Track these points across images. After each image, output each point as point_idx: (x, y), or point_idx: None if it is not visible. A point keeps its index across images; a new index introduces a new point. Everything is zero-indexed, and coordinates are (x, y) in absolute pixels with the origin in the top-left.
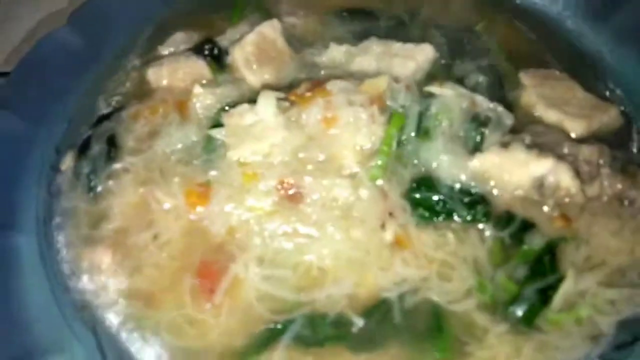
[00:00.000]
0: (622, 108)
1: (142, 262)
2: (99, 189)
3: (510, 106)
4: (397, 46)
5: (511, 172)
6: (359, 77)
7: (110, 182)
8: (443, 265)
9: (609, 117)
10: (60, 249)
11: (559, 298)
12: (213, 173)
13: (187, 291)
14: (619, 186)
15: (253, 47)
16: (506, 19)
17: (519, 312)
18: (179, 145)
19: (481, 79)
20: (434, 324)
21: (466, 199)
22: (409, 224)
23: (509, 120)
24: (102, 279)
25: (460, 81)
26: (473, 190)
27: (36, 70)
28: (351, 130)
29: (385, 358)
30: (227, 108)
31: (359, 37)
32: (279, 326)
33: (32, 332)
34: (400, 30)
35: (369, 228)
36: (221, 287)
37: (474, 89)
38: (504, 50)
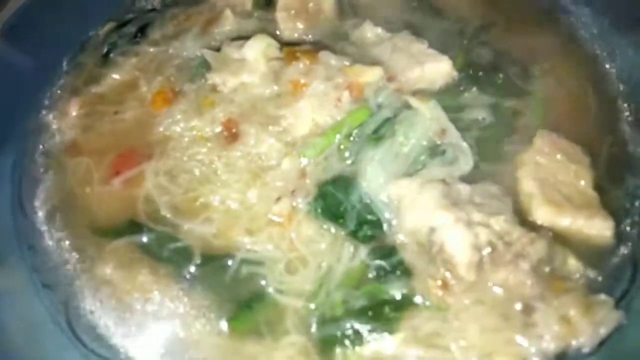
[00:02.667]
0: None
1: (94, 126)
2: (111, 56)
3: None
4: (420, 47)
5: (416, 211)
6: (362, 61)
7: (120, 58)
8: (298, 258)
9: (597, 229)
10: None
11: (366, 350)
12: (188, 85)
13: (105, 162)
14: (527, 291)
15: None
16: (571, 71)
17: (323, 334)
18: (184, 53)
19: (484, 117)
20: (250, 298)
21: (364, 215)
22: (300, 208)
23: (465, 166)
24: (64, 123)
25: (460, 108)
26: (375, 211)
27: None
28: (313, 103)
29: (198, 301)
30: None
31: (405, 27)
32: (138, 228)
33: None
34: (451, 38)
35: (265, 194)
36: (125, 175)
37: (469, 124)
38: (542, 106)
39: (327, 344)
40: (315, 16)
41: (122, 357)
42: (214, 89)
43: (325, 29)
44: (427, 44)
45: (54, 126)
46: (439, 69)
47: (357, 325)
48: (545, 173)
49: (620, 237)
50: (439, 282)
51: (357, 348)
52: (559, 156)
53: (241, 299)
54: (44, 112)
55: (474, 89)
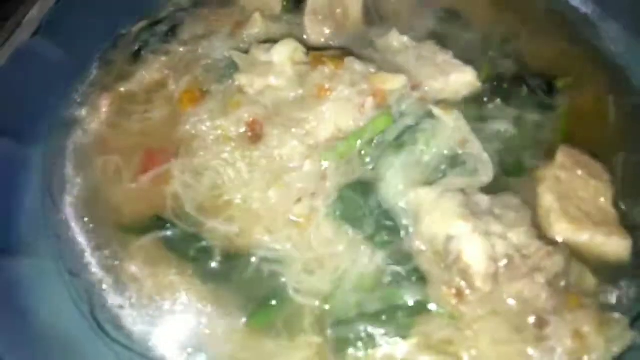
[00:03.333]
0: None
1: (123, 124)
2: (142, 53)
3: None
4: (444, 57)
5: (434, 219)
6: (387, 68)
7: (151, 56)
8: (316, 259)
9: (615, 247)
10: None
11: (378, 353)
12: (216, 86)
13: (133, 160)
14: (542, 304)
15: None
16: (596, 86)
17: (337, 335)
18: (213, 54)
19: (506, 129)
20: (269, 295)
21: (382, 221)
22: (320, 210)
23: (485, 177)
24: (94, 119)
25: (483, 119)
26: (393, 217)
27: None
28: (337, 108)
29: (219, 298)
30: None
31: (431, 37)
32: (164, 225)
33: None
34: (476, 49)
35: (286, 194)
36: (152, 172)
37: (491, 135)
38: (565, 120)
39: (340, 345)
40: (343, 22)
41: (144, 348)
42: (240, 90)
43: (352, 35)
44: (452, 54)
45: (84, 121)
46: (463, 80)
47: (370, 329)
48: (566, 189)
49: (638, 255)
50: (454, 291)
51: (369, 351)
52: (579, 172)
53: (260, 297)
54: (75, 107)
55: (498, 100)
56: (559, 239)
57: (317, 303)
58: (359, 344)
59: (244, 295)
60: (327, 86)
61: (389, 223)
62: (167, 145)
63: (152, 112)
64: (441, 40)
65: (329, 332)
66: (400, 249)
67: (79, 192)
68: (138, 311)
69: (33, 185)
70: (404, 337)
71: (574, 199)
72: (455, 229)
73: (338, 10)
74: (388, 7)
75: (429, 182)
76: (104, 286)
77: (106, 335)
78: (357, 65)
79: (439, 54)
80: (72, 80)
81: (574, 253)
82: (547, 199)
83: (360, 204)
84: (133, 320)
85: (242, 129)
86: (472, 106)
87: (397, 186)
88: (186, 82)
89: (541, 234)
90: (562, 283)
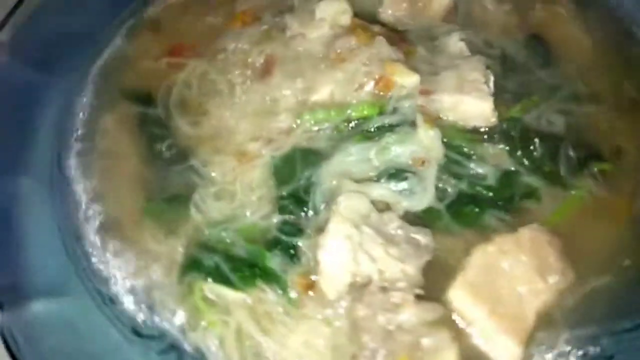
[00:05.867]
0: None
1: (183, 17)
2: None
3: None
4: (477, 77)
5: (333, 210)
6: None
7: None
8: (230, 192)
9: (502, 348)
10: None
11: (215, 287)
12: (269, 18)
13: (169, 44)
14: (368, 343)
15: None
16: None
17: (194, 255)
18: None
19: (485, 176)
20: (176, 196)
21: (300, 193)
22: (264, 157)
23: (416, 203)
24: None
25: (469, 156)
26: (311, 193)
27: None
28: (339, 78)
29: (144, 177)
30: None
31: (501, 57)
32: (150, 103)
33: None
34: (534, 86)
35: (251, 131)
36: (172, 59)
37: (465, 174)
38: (573, 206)
39: (191, 265)
40: (422, 9)
41: None
42: (283, 28)
43: (422, 25)
44: (492, 79)
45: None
46: (477, 107)
47: (223, 266)
48: (500, 266)
49: None
50: (305, 281)
51: (209, 281)
52: (525, 259)
53: (170, 193)
54: None
55: (502, 146)
56: (449, 305)
57: (203, 223)
58: (207, 271)
59: (160, 185)
60: (344, 56)
61: (304, 197)
62: (200, 46)
63: (208, 16)
64: (508, 65)
65: (192, 248)
66: (296, 223)
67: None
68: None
69: None
70: (243, 288)
71: (499, 279)
72: (333, 226)
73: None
74: (480, 14)
75: (363, 179)
76: None
77: None
78: (384, 49)
79: (476, 72)
80: None
81: (454, 331)
82: (471, 261)
83: (297, 169)
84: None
85: (261, 61)
86: (469, 137)
87: (335, 169)
88: (248, 5)
89: (436, 291)
90: (404, 338)
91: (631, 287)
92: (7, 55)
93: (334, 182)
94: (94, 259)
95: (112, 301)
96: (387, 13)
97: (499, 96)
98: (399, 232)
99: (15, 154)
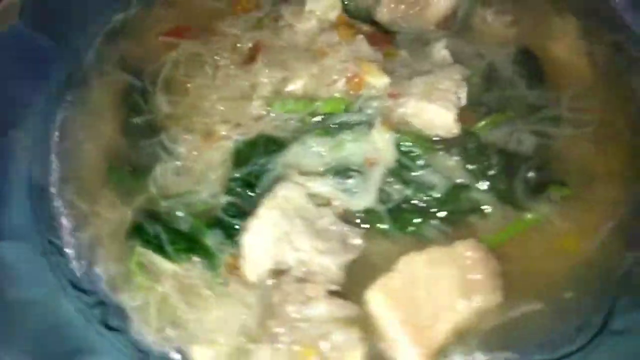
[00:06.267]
0: None
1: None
2: None
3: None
4: (449, 87)
5: (271, 195)
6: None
7: None
8: (190, 169)
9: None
10: None
11: (153, 257)
12: (268, 6)
13: (172, 23)
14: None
15: None
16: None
17: (140, 222)
18: None
19: (434, 186)
20: (140, 164)
21: (251, 178)
22: (229, 140)
23: (356, 203)
24: None
25: (422, 166)
26: (260, 179)
27: None
28: (314, 71)
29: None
30: None
31: (489, 70)
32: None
33: None
34: (515, 104)
35: (222, 113)
36: (167, 39)
37: (413, 182)
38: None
39: (135, 231)
40: (418, 13)
41: None
42: (277, 18)
43: (415, 29)
44: (464, 90)
45: None
46: (440, 117)
47: (163, 236)
48: (425, 276)
49: None
50: (233, 262)
51: (147, 251)
52: (456, 275)
53: (136, 162)
54: None
55: (457, 158)
56: (366, 303)
57: (157, 193)
58: (148, 240)
59: (128, 154)
60: (327, 50)
61: (254, 182)
62: (198, 29)
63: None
64: (492, 78)
65: (140, 215)
66: (240, 205)
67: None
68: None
69: None
70: (171, 260)
71: (421, 289)
72: (262, 212)
73: (423, 3)
74: (478, 24)
75: (310, 173)
76: None
77: None
78: (363, 48)
79: (451, 81)
80: None
81: (365, 332)
82: (398, 267)
83: (255, 154)
84: None
85: (249, 46)
86: (428, 145)
87: (289, 160)
88: None
89: (357, 290)
90: (311, 331)
91: (565, 319)
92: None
93: (283, 171)
94: (50, 209)
95: (58, 251)
96: (383, 12)
97: (473, 108)
98: (332, 228)
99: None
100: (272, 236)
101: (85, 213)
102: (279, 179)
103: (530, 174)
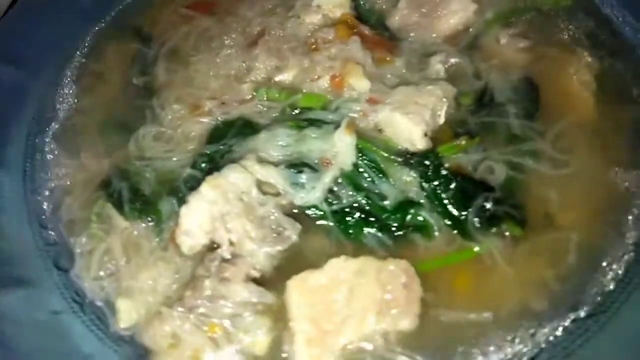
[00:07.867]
0: None
1: None
2: None
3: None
4: (429, 102)
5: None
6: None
7: None
8: (169, 137)
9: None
10: None
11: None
12: None
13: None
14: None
15: None
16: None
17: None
18: None
19: (387, 196)
20: (123, 129)
21: (218, 157)
22: (211, 116)
23: (300, 197)
24: None
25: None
26: (225, 159)
27: None
28: (303, 65)
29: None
30: None
31: (484, 88)
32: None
33: None
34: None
35: (213, 91)
36: (187, 12)
37: (366, 187)
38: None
39: (103, 184)
40: (429, 24)
41: None
42: (290, 7)
43: (422, 39)
44: (444, 109)
45: None
46: (407, 130)
47: (125, 194)
48: (347, 284)
49: None
50: (174, 231)
51: (108, 204)
52: (378, 291)
53: (126, 119)
54: None
55: (414, 175)
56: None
57: (133, 153)
58: (110, 195)
59: (120, 111)
60: (321, 45)
61: (218, 159)
62: (218, 6)
63: None
64: (484, 103)
65: (113, 170)
66: (200, 179)
67: None
68: None
69: None
70: (125, 217)
71: (339, 295)
72: (203, 189)
73: (437, 13)
74: (488, 44)
75: (269, 161)
76: None
77: None
78: (354, 49)
79: (433, 98)
80: None
81: (278, 322)
82: (325, 267)
83: (229, 135)
84: None
85: (257, 30)
86: (390, 156)
87: (255, 145)
88: None
89: (280, 275)
90: (225, 310)
91: None
92: None
93: (243, 155)
94: (37, 155)
95: (36, 188)
96: (395, 18)
97: (452, 128)
98: (270, 217)
99: None
100: (208, 213)
101: (71, 157)
102: (238, 161)
103: (488, 205)
